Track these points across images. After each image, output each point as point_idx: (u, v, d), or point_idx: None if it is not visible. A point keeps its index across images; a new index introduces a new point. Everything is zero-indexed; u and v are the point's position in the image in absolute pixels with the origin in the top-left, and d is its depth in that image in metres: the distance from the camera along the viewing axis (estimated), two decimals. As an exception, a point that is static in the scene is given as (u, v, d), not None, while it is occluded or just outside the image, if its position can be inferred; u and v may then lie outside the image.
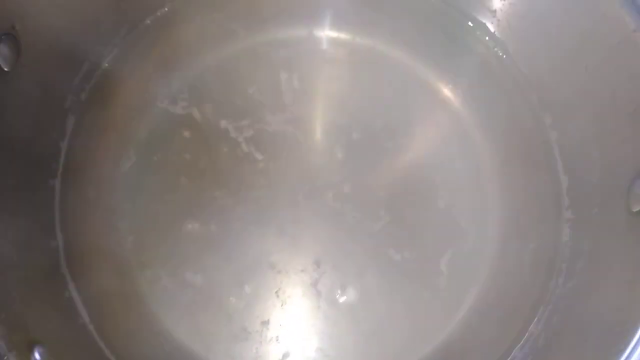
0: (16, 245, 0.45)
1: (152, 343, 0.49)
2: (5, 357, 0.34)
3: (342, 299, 0.51)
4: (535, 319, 0.51)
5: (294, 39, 0.57)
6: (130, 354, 0.49)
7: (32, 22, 0.46)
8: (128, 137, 0.54)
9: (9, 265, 0.43)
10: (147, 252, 0.51)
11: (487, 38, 0.58)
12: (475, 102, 0.57)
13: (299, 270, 0.51)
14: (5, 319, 0.37)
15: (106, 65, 0.55)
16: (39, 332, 0.40)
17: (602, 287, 0.46)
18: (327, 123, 0.55)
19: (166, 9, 0.56)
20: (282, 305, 0.50)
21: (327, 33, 0.58)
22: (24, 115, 0.48)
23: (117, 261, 0.51)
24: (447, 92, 0.57)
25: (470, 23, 0.58)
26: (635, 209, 0.45)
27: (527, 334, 0.51)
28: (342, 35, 0.58)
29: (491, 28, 0.57)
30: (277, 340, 0.50)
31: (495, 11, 0.56)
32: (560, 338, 0.47)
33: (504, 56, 0.57)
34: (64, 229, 0.51)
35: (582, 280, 0.49)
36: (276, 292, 0.51)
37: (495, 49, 0.58)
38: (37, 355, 0.36)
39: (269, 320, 0.50)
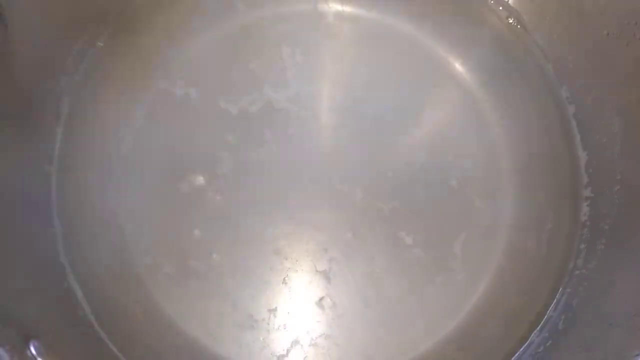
0: (12, 235, 0.44)
1: (155, 333, 0.48)
2: (-3, 353, 0.32)
3: (351, 286, 0.49)
4: (554, 302, 0.49)
5: (296, 13, 0.55)
6: (132, 344, 0.47)
7: (18, -3, 0.44)
8: (125, 119, 0.52)
9: (3, 255, 0.41)
10: (148, 239, 0.49)
11: (500, 8, 0.55)
12: (488, 76, 0.54)
13: (306, 256, 0.49)
14: (-1, 312, 0.36)
15: (100, 44, 0.53)
16: (35, 325, 0.39)
17: (625, 269, 0.44)
18: (333, 101, 0.53)
19: (162, -16, 0.54)
20: (289, 292, 0.49)
21: (331, 6, 0.55)
22: (15, 98, 0.46)
23: (117, 248, 0.49)
24: (458, 66, 0.54)
25: (482, -8, 0.55)
26: (661, 186, 0.42)
27: (545, 318, 0.49)
28: (347, 9, 0.55)
29: (505, -3, 0.55)
30: (284, 328, 0.48)
31: (509, -22, 0.54)
32: (582, 322, 0.45)
33: (518, 27, 0.55)
34: (62, 217, 0.49)
35: (603, 261, 0.47)
36: (283, 279, 0.49)
37: (509, 20, 0.55)
38: (32, 350, 0.35)
39: (276, 308, 0.48)
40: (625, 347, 0.37)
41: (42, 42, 0.48)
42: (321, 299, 0.49)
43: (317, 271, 0.49)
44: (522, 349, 0.48)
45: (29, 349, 0.35)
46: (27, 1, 0.45)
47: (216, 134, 0.51)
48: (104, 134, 0.51)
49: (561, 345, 0.45)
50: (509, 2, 0.55)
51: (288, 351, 0.48)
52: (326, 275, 0.49)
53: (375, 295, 0.49)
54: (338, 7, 0.55)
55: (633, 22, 0.44)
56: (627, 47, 0.46)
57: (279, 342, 0.48)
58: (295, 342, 0.48)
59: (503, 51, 0.55)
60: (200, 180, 0.50)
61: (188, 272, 0.49)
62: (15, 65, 0.46)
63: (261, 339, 0.48)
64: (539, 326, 0.48)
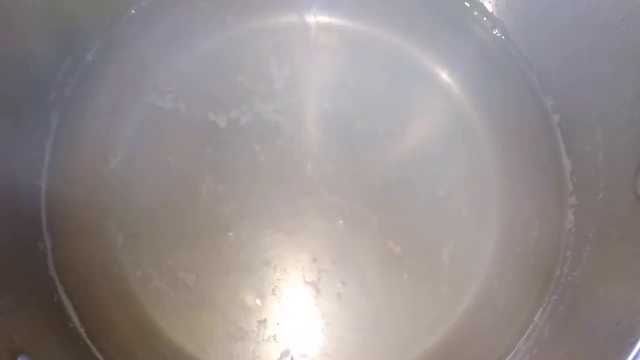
0: (0, 248, 0.44)
1: (146, 345, 0.48)
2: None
3: (340, 295, 0.49)
4: (540, 310, 0.50)
5: (284, 25, 0.55)
6: (122, 356, 0.47)
7: (6, 13, 0.44)
8: (115, 132, 0.52)
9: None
10: (138, 251, 0.50)
11: (484, 19, 0.56)
12: (474, 86, 0.55)
13: (296, 267, 0.50)
14: (-14, 328, 0.36)
15: (90, 58, 0.53)
16: (24, 339, 0.39)
17: (610, 276, 0.44)
18: (320, 112, 0.53)
19: (151, -2, 0.54)
20: (278, 303, 0.49)
21: (318, 18, 0.55)
22: (4, 113, 0.47)
23: (107, 261, 0.49)
24: (444, 76, 0.55)
25: (466, 3, 0.56)
26: (642, 194, 0.43)
27: (531, 326, 0.49)
28: (334, 20, 0.56)
29: (489, 8, 0.55)
30: (274, 339, 0.48)
31: (492, -10, 0.54)
32: (567, 330, 0.46)
33: (503, 37, 0.55)
34: (51, 230, 0.49)
35: (588, 268, 0.48)
36: (273, 289, 0.49)
37: (494, 30, 0.56)
38: (20, 365, 0.35)
39: (265, 319, 0.48)
40: (607, 355, 0.38)
41: (32, 56, 0.48)
42: (310, 309, 0.49)
43: (306, 282, 0.49)
44: (508, 358, 0.49)
45: (18, 364, 0.35)
46: (18, 16, 0.45)
47: (205, 147, 0.52)
48: (93, 148, 0.51)
49: (546, 353, 0.46)
50: (494, 13, 0.55)
51: (278, 362, 0.48)
52: (315, 286, 0.49)
53: (364, 304, 0.49)
54: (325, 19, 0.56)
55: (611, 33, 0.45)
56: (607, 58, 0.46)
57: (268, 353, 0.48)
58: (285, 353, 0.48)
59: (488, 61, 0.56)
60: (189, 192, 0.51)
61: (178, 284, 0.49)
62: (4, 80, 0.46)
63: (251, 349, 0.48)
64: (526, 334, 0.49)
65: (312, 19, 0.55)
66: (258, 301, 0.49)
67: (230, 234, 0.50)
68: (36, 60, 0.49)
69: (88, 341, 0.47)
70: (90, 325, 0.48)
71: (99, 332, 0.48)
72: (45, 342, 0.42)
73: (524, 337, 0.49)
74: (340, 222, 0.51)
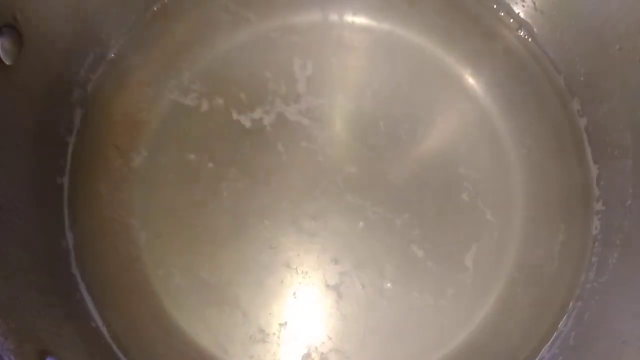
0: (23, 247, 0.44)
1: (167, 344, 0.48)
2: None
3: (362, 299, 0.49)
4: (565, 316, 0.49)
5: (307, 25, 0.55)
6: (144, 356, 0.47)
7: (33, 12, 0.44)
8: (138, 130, 0.52)
9: (16, 268, 0.41)
10: (160, 250, 0.49)
11: (511, 20, 0.55)
12: (499, 88, 0.54)
13: (317, 269, 0.49)
14: (15, 328, 0.36)
15: (113, 55, 0.53)
16: (49, 338, 0.39)
17: (638, 283, 0.44)
18: (344, 113, 0.53)
19: (174, -4, 0.54)
20: (299, 305, 0.49)
21: (342, 18, 0.55)
22: (28, 111, 0.46)
23: (129, 260, 0.49)
24: (469, 78, 0.54)
25: (493, 5, 0.55)
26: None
27: (556, 333, 0.49)
28: (358, 20, 0.55)
29: (516, 9, 0.55)
30: (295, 341, 0.48)
31: (520, -9, 0.53)
32: (595, 338, 0.45)
33: (529, 39, 0.55)
34: (74, 228, 0.49)
35: (616, 275, 0.47)
36: (294, 292, 0.49)
37: (520, 32, 0.55)
38: (47, 367, 0.35)
39: (286, 322, 0.48)
40: (639, 366, 0.37)
41: (56, 54, 0.48)
42: (331, 312, 0.49)
43: (327, 285, 0.49)
44: (533, 365, 0.48)
45: (44, 365, 0.35)
46: (43, 15, 0.45)
47: (228, 146, 0.51)
48: (116, 146, 0.51)
49: (573, 362, 0.46)
50: (520, 14, 0.55)
51: (299, 365, 0.48)
52: (337, 289, 0.49)
53: (386, 308, 0.49)
54: (349, 19, 0.55)
55: (646, 37, 0.44)
56: (638, 61, 0.46)
57: (289, 356, 0.48)
58: (306, 356, 0.48)
59: (514, 63, 0.55)
60: (212, 191, 0.50)
61: (200, 283, 0.49)
62: (29, 78, 0.46)
63: (272, 352, 0.48)
64: (550, 340, 0.48)
65: (336, 18, 0.55)
66: (279, 303, 0.49)
67: (252, 234, 0.50)
68: (60, 58, 0.49)
69: (109, 340, 0.47)
70: (112, 324, 0.47)
71: (120, 330, 0.47)
72: (69, 341, 0.42)
73: (548, 343, 0.48)
74: (363, 224, 0.50)
